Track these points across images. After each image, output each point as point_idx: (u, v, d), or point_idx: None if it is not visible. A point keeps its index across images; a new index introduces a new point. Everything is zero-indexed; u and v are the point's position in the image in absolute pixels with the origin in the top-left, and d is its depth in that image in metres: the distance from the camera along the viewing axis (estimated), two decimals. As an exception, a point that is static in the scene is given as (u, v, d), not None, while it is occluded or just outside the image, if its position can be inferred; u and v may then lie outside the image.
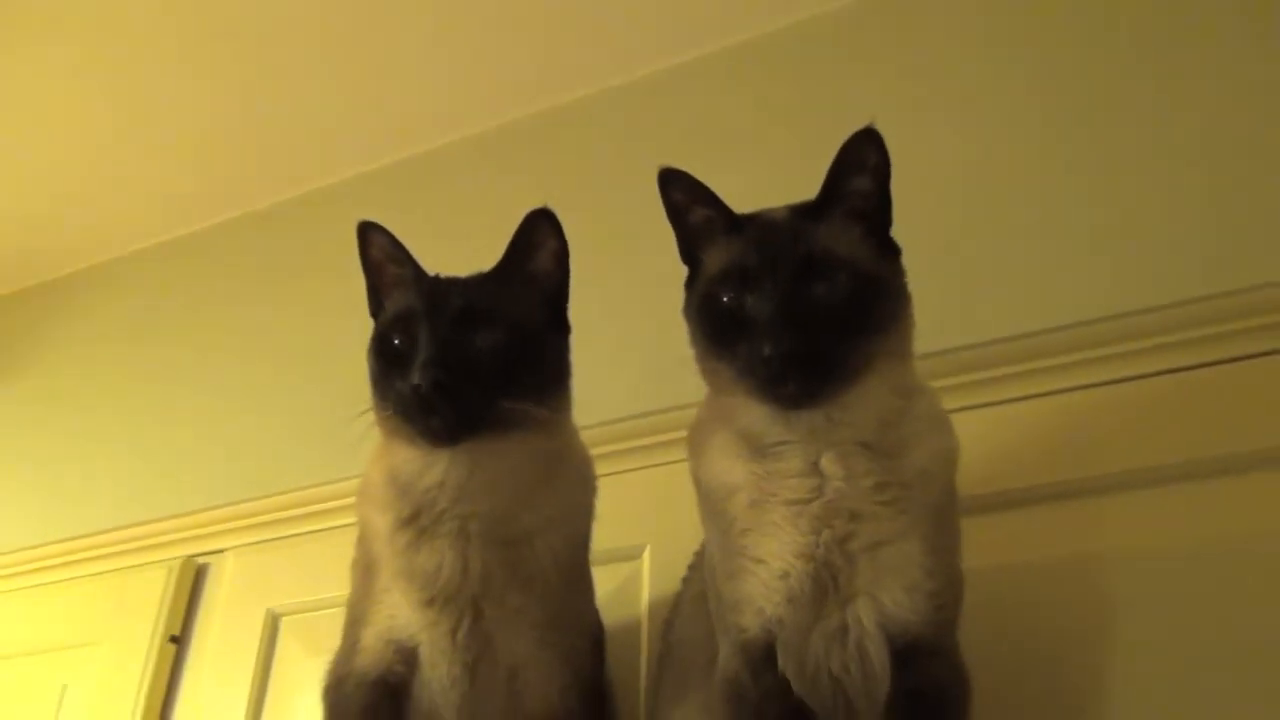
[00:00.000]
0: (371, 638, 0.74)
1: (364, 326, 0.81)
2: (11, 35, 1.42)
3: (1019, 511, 0.88)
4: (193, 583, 1.27)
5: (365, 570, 0.77)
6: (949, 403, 0.92)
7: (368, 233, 0.79)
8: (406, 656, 0.73)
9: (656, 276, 0.81)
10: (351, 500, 1.13)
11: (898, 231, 0.70)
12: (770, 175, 0.95)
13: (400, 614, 0.73)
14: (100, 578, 1.33)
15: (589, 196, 1.28)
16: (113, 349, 1.58)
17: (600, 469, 0.97)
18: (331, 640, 0.92)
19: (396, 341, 0.74)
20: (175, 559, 1.29)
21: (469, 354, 0.72)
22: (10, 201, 1.65)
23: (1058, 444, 0.89)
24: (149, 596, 1.27)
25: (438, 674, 0.73)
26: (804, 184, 0.70)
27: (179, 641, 1.24)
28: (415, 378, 0.70)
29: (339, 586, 0.96)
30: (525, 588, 0.74)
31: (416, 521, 0.73)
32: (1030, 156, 1.08)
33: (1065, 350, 0.92)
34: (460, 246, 0.85)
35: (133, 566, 1.32)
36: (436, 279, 0.77)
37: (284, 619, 1.18)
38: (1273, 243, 0.91)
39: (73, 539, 1.37)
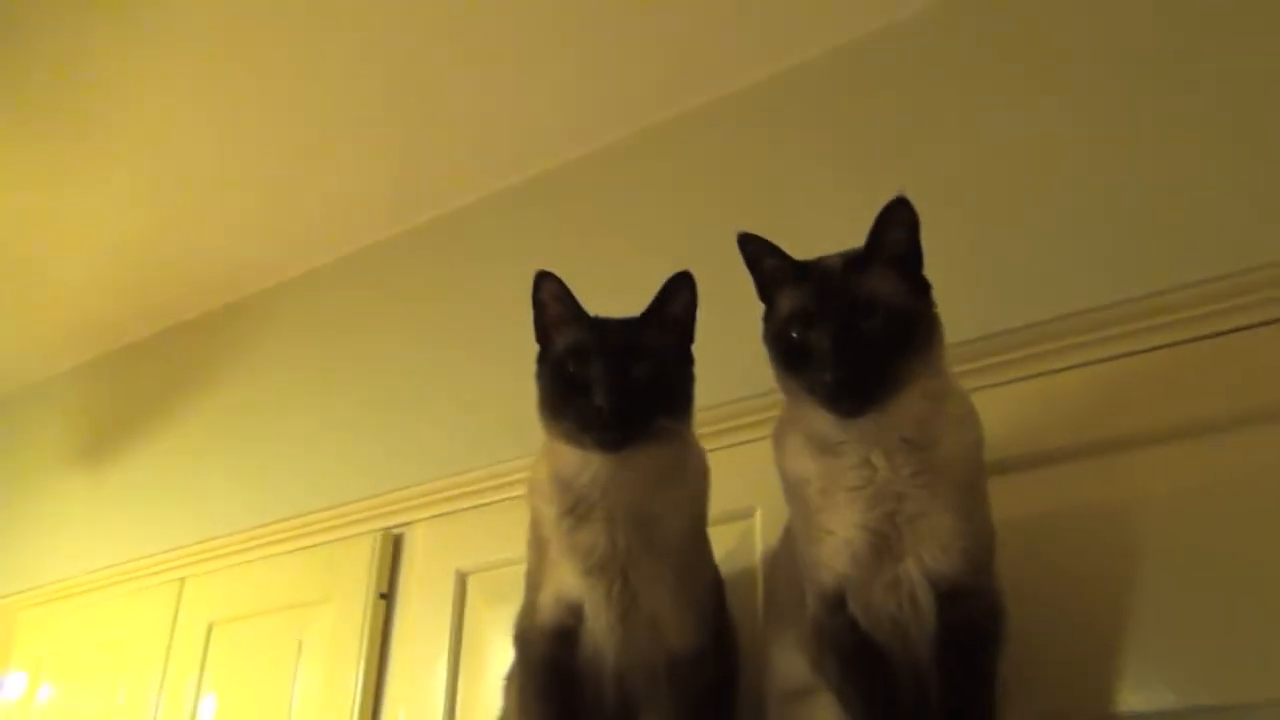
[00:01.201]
0: (547, 599, 0.98)
1: (526, 329, 1.03)
2: (209, 44, 1.53)
3: (1056, 467, 1.06)
4: (393, 550, 1.55)
5: (538, 548, 1.01)
6: (997, 377, 1.12)
7: (542, 280, 1.01)
8: (574, 612, 0.97)
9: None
10: (513, 477, 1.39)
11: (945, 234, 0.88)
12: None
13: (567, 581, 0.97)
14: (320, 548, 1.62)
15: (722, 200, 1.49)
16: (314, 355, 1.85)
17: (721, 442, 1.19)
18: (508, 592, 1.18)
19: (571, 369, 0.95)
20: (376, 530, 1.56)
21: (631, 383, 0.93)
22: (216, 216, 1.86)
23: (1085, 408, 1.08)
24: (360, 561, 1.55)
25: (599, 624, 0.96)
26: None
27: (387, 598, 1.51)
28: (599, 400, 0.91)
29: (510, 549, 1.23)
30: (658, 556, 0.96)
31: (575, 511, 0.96)
32: (1042, 159, 1.24)
33: (1087, 330, 1.09)
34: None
35: (344, 538, 1.59)
36: (601, 320, 0.99)
37: (470, 576, 1.44)
38: (1253, 228, 1.07)
39: (296, 517, 1.66)
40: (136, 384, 2.11)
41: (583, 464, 0.97)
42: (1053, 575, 1.01)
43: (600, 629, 0.96)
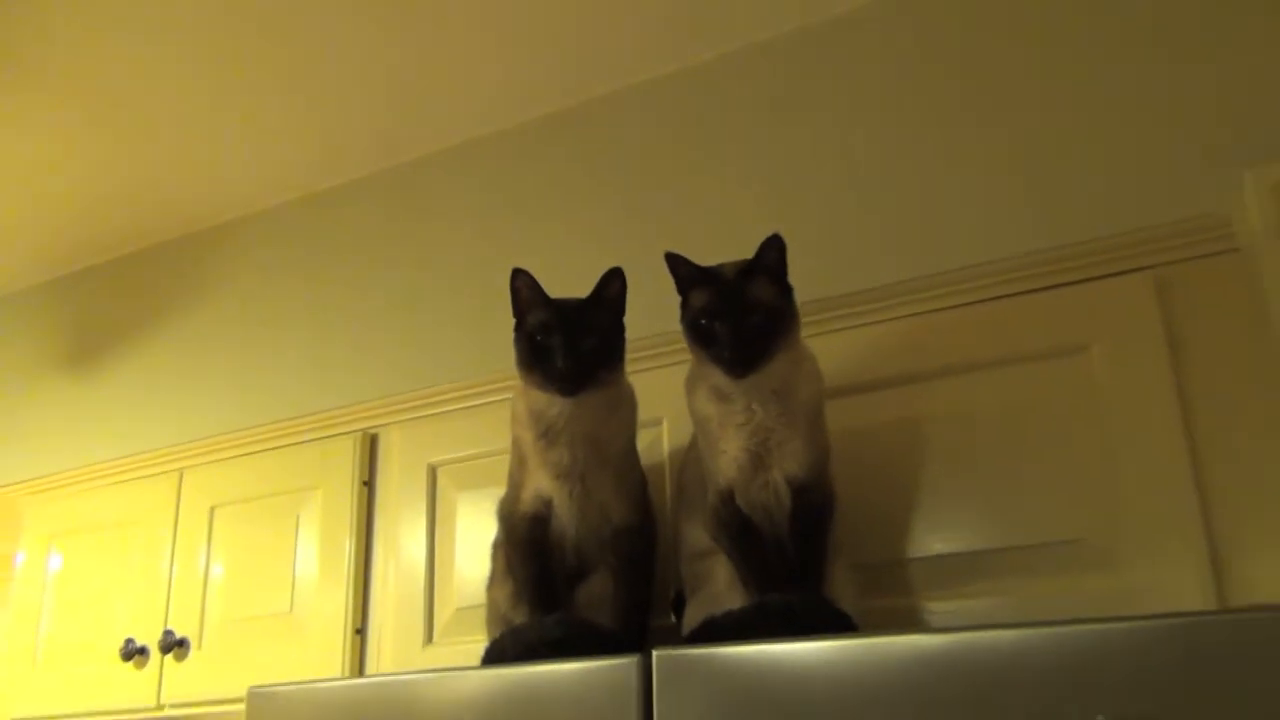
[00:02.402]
0: (528, 495, 1.40)
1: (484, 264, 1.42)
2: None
3: (872, 394, 1.52)
4: (371, 447, 1.94)
5: (519, 460, 1.43)
6: (837, 324, 1.56)
7: (517, 274, 1.38)
8: (546, 504, 1.38)
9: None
10: (472, 389, 1.80)
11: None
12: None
13: (542, 483, 1.38)
14: (307, 445, 1.97)
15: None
16: (300, 279, 2.16)
17: (640, 367, 1.60)
18: (472, 480, 1.62)
19: (540, 339, 1.34)
20: (356, 431, 1.94)
21: (581, 349, 1.33)
22: (201, 149, 2.08)
23: (894, 351, 1.54)
24: (344, 456, 1.93)
25: (564, 511, 1.38)
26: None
27: (369, 484, 1.92)
28: (559, 363, 1.31)
29: (471, 446, 1.66)
30: (604, 464, 1.39)
31: (546, 435, 1.37)
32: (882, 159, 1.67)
33: (894, 295, 1.53)
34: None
35: (327, 437, 1.96)
36: (558, 301, 1.37)
37: (439, 468, 1.85)
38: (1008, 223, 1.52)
39: (285, 420, 2.01)
40: (127, 298, 2.39)
41: (549, 403, 1.38)
42: (868, 469, 1.48)
43: (565, 514, 1.40)
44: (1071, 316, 1.42)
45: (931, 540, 1.43)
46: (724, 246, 1.39)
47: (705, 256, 1.33)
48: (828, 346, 1.46)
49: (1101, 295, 1.41)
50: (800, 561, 1.28)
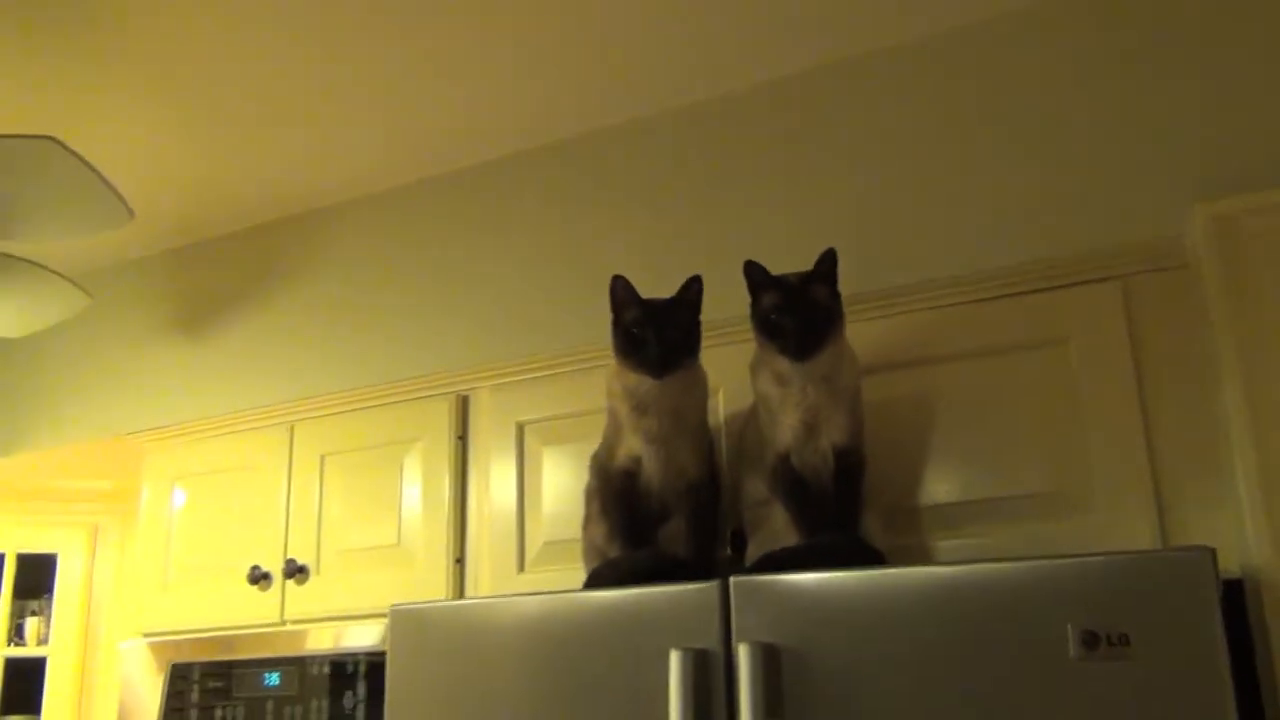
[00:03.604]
0: (622, 453, 1.76)
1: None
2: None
3: (894, 372, 1.89)
4: (463, 406, 2.30)
5: (615, 427, 1.78)
6: (868, 315, 1.91)
7: (615, 280, 1.74)
8: (637, 461, 1.74)
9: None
10: (553, 359, 2.14)
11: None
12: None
13: (634, 445, 1.74)
14: (405, 404, 2.32)
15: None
16: (399, 259, 2.43)
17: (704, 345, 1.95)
18: (556, 437, 1.99)
19: (635, 332, 1.70)
20: (451, 393, 2.29)
21: (667, 340, 1.69)
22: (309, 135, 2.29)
23: (910, 339, 1.89)
24: (440, 414, 2.26)
25: (650, 467, 1.73)
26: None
27: (463, 439, 2.28)
28: (650, 353, 1.67)
29: (553, 408, 2.02)
30: (682, 432, 1.74)
31: (638, 408, 1.73)
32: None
33: (912, 292, 1.90)
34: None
35: (424, 398, 2.31)
36: (649, 301, 1.72)
37: (526, 426, 2.21)
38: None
39: (385, 383, 2.35)
40: (242, 269, 2.66)
41: (640, 383, 1.74)
42: (890, 435, 1.85)
43: (651, 470, 1.76)
44: (1053, 316, 1.78)
45: (938, 491, 1.80)
46: (773, 257, 1.73)
47: (766, 261, 1.69)
48: (859, 332, 1.82)
49: (1078, 299, 1.77)
50: (840, 509, 1.65)
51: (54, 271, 2.00)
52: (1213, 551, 1.28)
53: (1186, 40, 1.78)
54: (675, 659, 1.49)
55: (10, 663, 3.07)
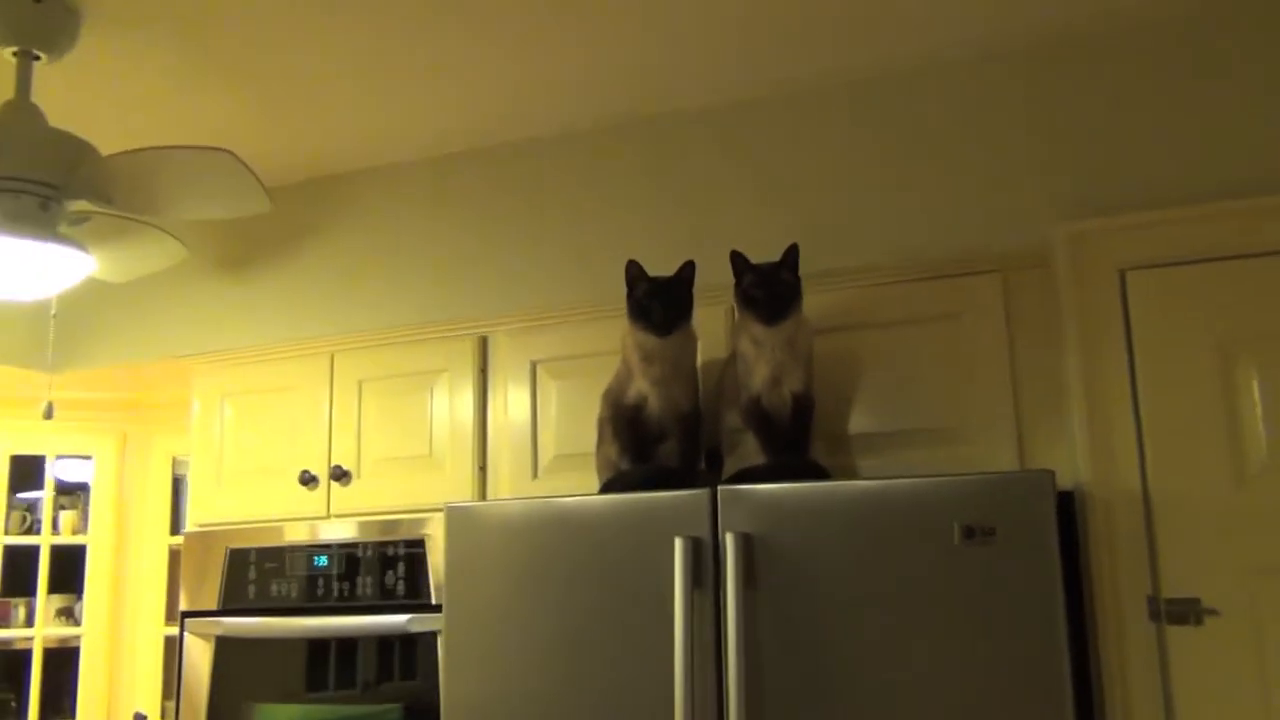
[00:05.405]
0: (632, 391, 2.31)
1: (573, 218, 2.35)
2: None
3: (830, 334, 2.49)
4: (484, 346, 2.82)
5: (628, 371, 2.33)
6: (819, 286, 2.51)
7: (630, 264, 2.29)
8: (644, 397, 2.29)
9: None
10: (560, 310, 2.70)
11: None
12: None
13: (642, 386, 2.29)
14: (431, 342, 2.82)
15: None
16: (424, 219, 2.88)
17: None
18: (563, 372, 2.56)
19: (645, 302, 2.24)
20: (473, 334, 2.81)
21: (670, 309, 2.25)
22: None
23: (848, 308, 2.50)
24: (465, 351, 2.77)
25: (654, 402, 2.29)
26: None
27: (484, 372, 2.80)
28: (656, 318, 2.23)
29: (562, 349, 2.58)
30: (678, 377, 2.31)
31: (647, 358, 2.30)
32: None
33: (845, 275, 2.49)
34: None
35: (448, 338, 2.84)
36: (656, 280, 2.28)
37: (539, 364, 2.75)
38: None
39: (412, 325, 2.85)
40: (290, 217, 3.04)
41: (648, 339, 2.29)
42: (829, 382, 2.45)
43: (654, 405, 2.32)
44: (951, 297, 2.39)
45: (863, 424, 2.42)
46: (746, 246, 2.30)
47: (742, 249, 2.27)
48: (806, 304, 2.40)
49: (970, 286, 2.38)
50: (796, 438, 2.26)
51: (157, 226, 2.43)
52: (1053, 473, 1.92)
53: (1059, 90, 2.38)
54: (678, 544, 2.08)
55: (53, 549, 3.54)
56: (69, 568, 3.57)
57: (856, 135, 2.54)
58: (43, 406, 2.13)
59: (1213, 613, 1.94)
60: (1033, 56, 2.41)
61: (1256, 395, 1.98)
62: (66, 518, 3.61)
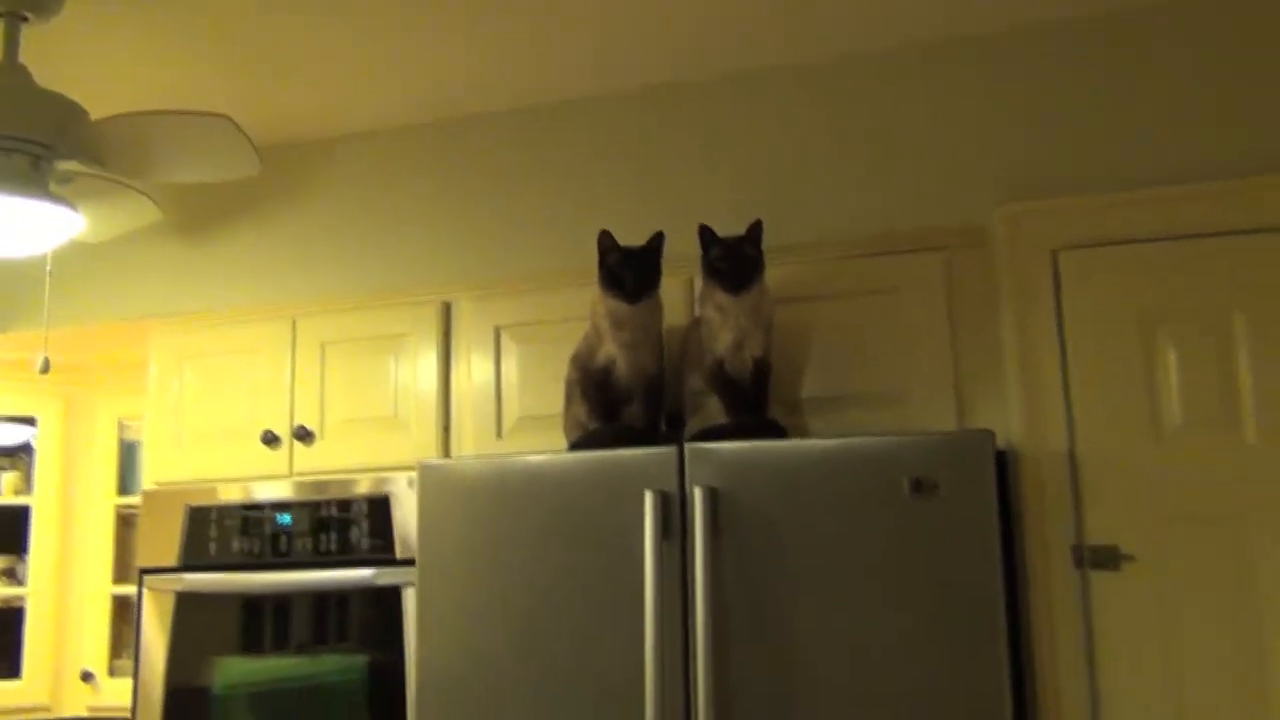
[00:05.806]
0: (601, 355, 2.44)
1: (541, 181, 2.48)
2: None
3: (787, 304, 2.65)
4: (447, 311, 2.91)
5: (598, 336, 2.45)
6: (782, 259, 2.67)
7: (602, 234, 2.42)
8: (612, 360, 2.43)
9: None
10: (522, 278, 2.82)
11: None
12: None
13: (611, 349, 2.42)
14: (404, 306, 2.88)
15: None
16: (390, 184, 2.99)
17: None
18: (528, 337, 2.67)
19: (616, 270, 2.38)
20: (436, 301, 2.90)
21: (640, 277, 2.39)
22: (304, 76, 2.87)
23: (804, 280, 2.66)
24: (429, 317, 2.90)
25: (622, 365, 2.42)
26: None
27: (447, 336, 2.88)
28: (627, 285, 2.36)
29: (524, 314, 2.70)
30: (645, 341, 2.44)
31: (617, 324, 2.43)
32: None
33: (800, 250, 2.66)
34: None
35: (413, 304, 2.93)
36: (626, 248, 2.41)
37: (503, 330, 2.86)
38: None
39: (385, 291, 2.91)
40: (257, 180, 3.11)
41: (618, 307, 2.42)
42: (786, 348, 2.62)
43: (622, 367, 2.46)
44: (895, 272, 2.56)
45: (816, 388, 2.59)
46: (713, 219, 2.45)
47: (709, 222, 2.42)
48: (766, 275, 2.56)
49: (915, 262, 2.56)
50: (756, 400, 2.43)
51: (135, 188, 2.48)
52: (992, 433, 2.12)
53: (1000, 79, 2.58)
54: (648, 497, 2.23)
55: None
56: (11, 528, 3.57)
57: (812, 118, 2.71)
58: (39, 361, 2.17)
59: (1130, 558, 2.17)
60: (979, 46, 2.61)
61: (1173, 363, 2.21)
62: (8, 479, 3.60)
